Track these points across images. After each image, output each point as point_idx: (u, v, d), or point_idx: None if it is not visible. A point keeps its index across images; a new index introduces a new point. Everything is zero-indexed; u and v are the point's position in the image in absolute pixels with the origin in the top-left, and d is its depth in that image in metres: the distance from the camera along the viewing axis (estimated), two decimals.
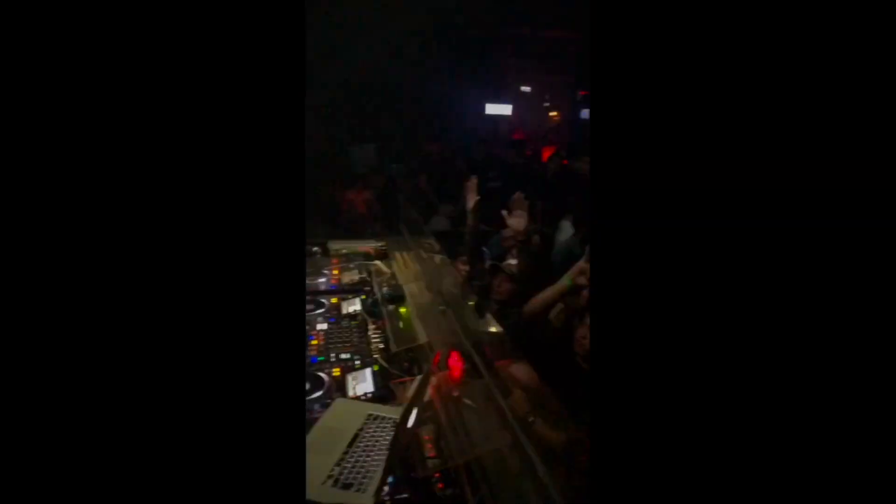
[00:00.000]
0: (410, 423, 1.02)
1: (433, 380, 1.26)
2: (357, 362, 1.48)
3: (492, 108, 6.79)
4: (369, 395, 1.32)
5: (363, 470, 1.02)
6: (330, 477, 1.00)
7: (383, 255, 2.38)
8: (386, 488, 0.98)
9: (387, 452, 1.07)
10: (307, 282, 2.08)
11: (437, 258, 2.17)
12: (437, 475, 1.06)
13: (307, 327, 1.67)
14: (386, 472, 0.97)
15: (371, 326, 1.68)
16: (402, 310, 1.79)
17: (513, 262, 1.87)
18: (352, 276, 2.13)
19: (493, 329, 1.61)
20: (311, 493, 0.96)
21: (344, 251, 2.43)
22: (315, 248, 2.43)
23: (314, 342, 1.59)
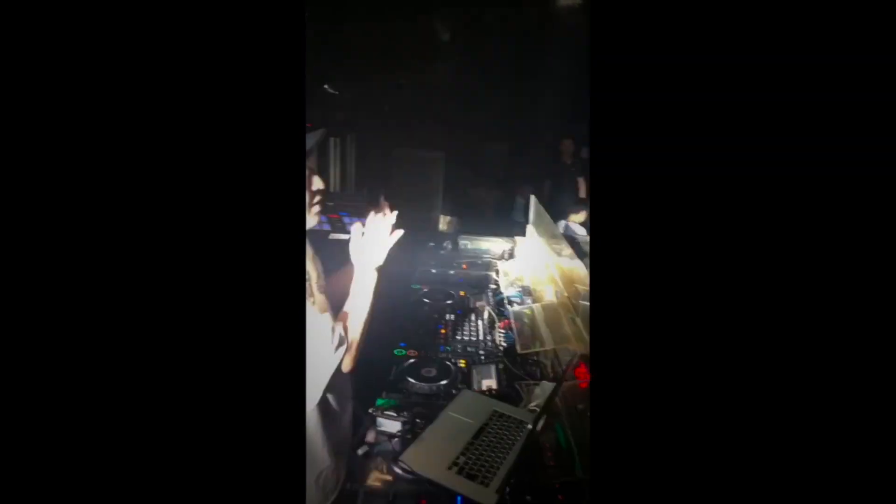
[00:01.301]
0: (538, 427, 1.01)
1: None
2: (482, 356, 1.51)
3: None
4: (494, 391, 1.34)
5: (487, 464, 1.04)
6: (455, 464, 1.03)
7: (511, 255, 2.39)
8: (507, 487, 0.98)
9: (511, 451, 1.07)
10: (435, 272, 2.18)
11: (567, 263, 2.10)
12: (557, 486, 1.04)
13: (436, 316, 1.75)
14: (512, 472, 0.97)
15: (497, 324, 1.70)
16: (528, 311, 1.78)
17: None
18: (479, 273, 2.17)
19: None
20: (436, 476, 1.01)
21: (472, 247, 2.50)
22: (446, 243, 2.53)
23: (442, 331, 1.66)
